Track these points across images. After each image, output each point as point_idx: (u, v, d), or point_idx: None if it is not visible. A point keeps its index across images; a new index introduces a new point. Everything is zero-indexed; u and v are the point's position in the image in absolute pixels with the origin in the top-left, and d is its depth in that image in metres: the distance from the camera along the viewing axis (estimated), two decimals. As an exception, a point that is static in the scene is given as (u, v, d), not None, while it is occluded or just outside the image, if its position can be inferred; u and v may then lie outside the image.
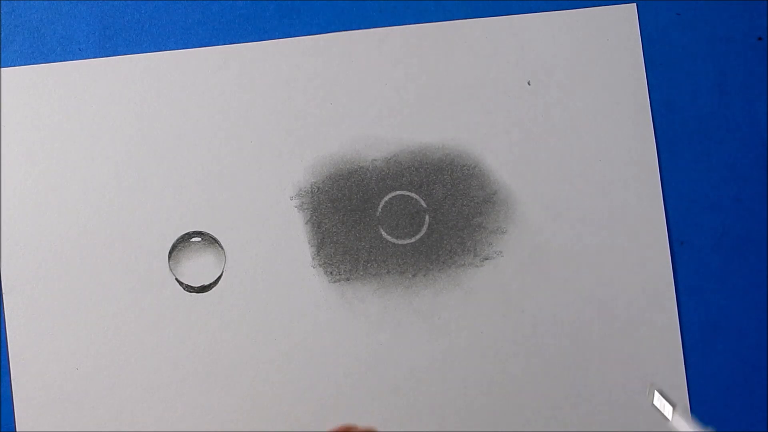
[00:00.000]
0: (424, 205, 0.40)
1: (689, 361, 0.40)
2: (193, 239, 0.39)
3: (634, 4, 0.41)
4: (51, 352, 0.38)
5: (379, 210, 0.40)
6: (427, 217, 0.40)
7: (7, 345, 0.38)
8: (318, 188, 0.40)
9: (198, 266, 0.39)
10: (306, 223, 0.40)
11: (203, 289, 0.39)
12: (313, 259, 0.40)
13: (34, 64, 0.40)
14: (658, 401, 0.37)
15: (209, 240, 0.39)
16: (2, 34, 0.40)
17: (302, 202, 0.40)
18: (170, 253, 0.39)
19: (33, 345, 0.38)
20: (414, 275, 0.40)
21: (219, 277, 0.39)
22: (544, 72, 0.41)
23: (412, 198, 0.40)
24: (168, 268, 0.39)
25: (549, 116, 0.41)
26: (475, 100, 0.41)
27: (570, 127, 0.41)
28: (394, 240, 0.40)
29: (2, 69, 0.39)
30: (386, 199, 0.40)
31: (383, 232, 0.40)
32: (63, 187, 0.39)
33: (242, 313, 0.39)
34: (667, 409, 0.36)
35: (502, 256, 0.40)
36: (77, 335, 0.39)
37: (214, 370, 0.39)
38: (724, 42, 0.42)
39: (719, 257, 0.41)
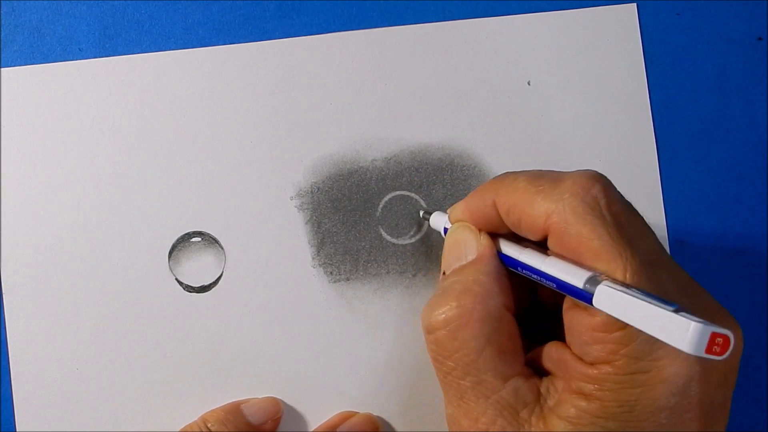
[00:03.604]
0: (424, 205, 0.40)
1: (689, 361, 0.40)
2: (193, 239, 0.39)
3: (634, 4, 0.41)
4: (51, 352, 0.38)
5: (379, 210, 0.40)
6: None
7: (7, 345, 0.38)
8: (318, 188, 0.40)
9: (198, 266, 0.39)
10: (306, 223, 0.40)
11: (203, 289, 0.39)
12: (313, 259, 0.40)
13: (34, 64, 0.40)
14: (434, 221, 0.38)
15: (209, 240, 0.39)
16: (2, 34, 0.40)
17: (302, 202, 0.40)
18: (170, 253, 0.39)
19: (33, 345, 0.38)
20: (414, 275, 0.40)
21: (219, 277, 0.39)
22: (544, 72, 0.41)
23: (412, 198, 0.40)
24: (168, 268, 0.39)
25: (549, 116, 0.41)
26: (475, 100, 0.41)
27: (570, 127, 0.41)
28: (394, 240, 0.40)
29: (2, 69, 0.39)
30: (386, 199, 0.40)
31: (383, 232, 0.40)
32: (63, 187, 0.39)
33: (242, 313, 0.39)
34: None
35: (502, 256, 0.40)
36: (77, 335, 0.39)
37: (214, 370, 0.39)
38: (724, 42, 0.42)
39: (719, 257, 0.41)
